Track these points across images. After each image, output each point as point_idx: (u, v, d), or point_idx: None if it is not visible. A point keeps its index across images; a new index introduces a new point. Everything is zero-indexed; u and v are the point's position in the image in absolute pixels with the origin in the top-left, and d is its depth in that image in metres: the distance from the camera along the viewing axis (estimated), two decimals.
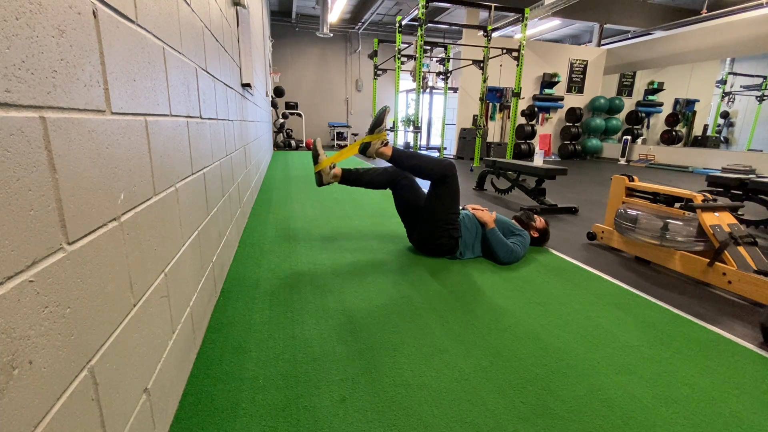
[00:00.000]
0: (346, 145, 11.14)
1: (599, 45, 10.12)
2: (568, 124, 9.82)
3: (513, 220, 2.34)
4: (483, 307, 1.60)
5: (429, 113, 12.54)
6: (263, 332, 1.36)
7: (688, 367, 1.24)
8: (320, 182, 2.10)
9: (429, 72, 9.66)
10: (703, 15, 7.72)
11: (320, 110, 12.66)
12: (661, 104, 10.23)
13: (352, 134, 12.35)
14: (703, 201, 2.02)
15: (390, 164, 2.15)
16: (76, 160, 0.57)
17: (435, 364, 1.21)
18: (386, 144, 2.05)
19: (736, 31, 7.64)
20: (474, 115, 9.12)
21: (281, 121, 9.82)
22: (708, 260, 1.87)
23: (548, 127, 10.07)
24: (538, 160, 6.10)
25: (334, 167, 2.10)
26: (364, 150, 2.03)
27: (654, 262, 2.17)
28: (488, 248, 2.15)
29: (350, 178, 2.16)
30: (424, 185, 2.21)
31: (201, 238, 1.32)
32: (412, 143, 7.08)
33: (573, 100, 10.05)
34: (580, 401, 1.07)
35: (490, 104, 9.26)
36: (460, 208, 2.23)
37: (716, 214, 1.97)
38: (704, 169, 7.76)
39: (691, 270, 1.97)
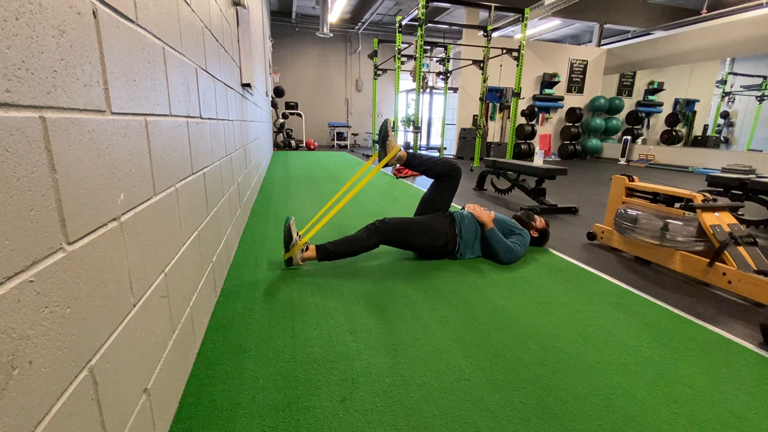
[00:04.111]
0: (346, 146, 11.18)
1: (599, 45, 10.12)
2: (568, 124, 9.82)
3: (513, 219, 2.34)
4: (483, 307, 1.60)
5: (429, 113, 12.54)
6: (263, 332, 1.36)
7: (688, 367, 1.24)
8: (290, 263, 1.95)
9: (429, 72, 9.65)
10: (703, 15, 7.72)
11: (320, 110, 12.66)
12: (661, 104, 10.22)
13: (352, 134, 12.36)
14: (703, 201, 2.02)
15: (365, 228, 2.02)
16: (76, 160, 0.57)
17: (435, 364, 1.21)
18: (307, 249, 1.94)
19: (736, 31, 7.64)
20: (474, 115, 9.11)
21: (281, 121, 9.83)
22: (708, 260, 1.87)
23: (548, 127, 10.07)
24: (538, 160, 6.11)
25: (306, 249, 1.94)
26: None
27: (654, 262, 2.17)
28: (488, 248, 2.15)
29: (327, 255, 1.96)
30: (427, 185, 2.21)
31: (201, 238, 1.32)
32: (412, 143, 7.08)
33: (573, 100, 10.05)
34: (580, 401, 1.07)
35: (490, 104, 9.26)
36: (460, 207, 2.23)
37: (716, 214, 1.96)
38: (704, 169, 7.76)
39: (691, 270, 1.97)
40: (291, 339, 1.32)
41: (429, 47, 8.07)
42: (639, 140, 9.97)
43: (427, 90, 11.08)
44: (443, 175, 2.18)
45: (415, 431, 0.95)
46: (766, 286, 1.65)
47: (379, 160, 2.07)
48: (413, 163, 2.17)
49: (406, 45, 8.69)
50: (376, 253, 2.20)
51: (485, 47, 7.09)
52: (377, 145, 2.14)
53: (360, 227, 2.05)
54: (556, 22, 9.99)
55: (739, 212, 3.12)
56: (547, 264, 2.14)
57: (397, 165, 2.11)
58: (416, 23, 6.44)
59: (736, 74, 10.94)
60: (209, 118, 1.52)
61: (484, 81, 7.21)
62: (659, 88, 10.34)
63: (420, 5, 6.12)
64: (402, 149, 2.12)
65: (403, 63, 8.03)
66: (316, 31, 10.62)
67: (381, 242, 2.03)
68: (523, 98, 9.27)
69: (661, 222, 2.02)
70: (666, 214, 2.06)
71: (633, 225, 2.15)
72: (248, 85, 2.81)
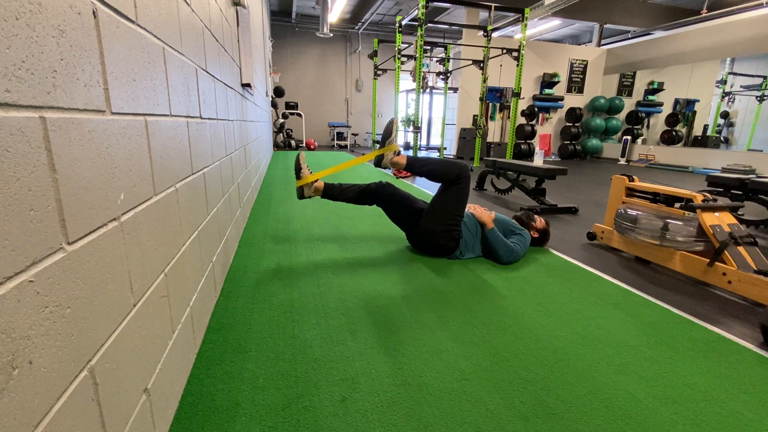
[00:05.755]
0: (346, 146, 11.20)
1: (599, 45, 10.12)
2: (568, 124, 9.82)
3: (513, 220, 2.34)
4: (483, 307, 1.60)
5: (429, 113, 12.54)
6: (263, 332, 1.36)
7: (688, 367, 1.24)
8: (301, 196, 2.19)
9: (429, 72, 9.65)
10: (703, 15, 7.72)
11: (320, 110, 12.66)
12: (661, 104, 10.22)
13: (352, 134, 12.37)
14: (703, 201, 2.02)
15: (371, 183, 2.23)
16: (76, 160, 0.57)
17: (435, 364, 1.21)
18: (399, 154, 2.12)
19: (736, 31, 7.64)
20: (474, 115, 9.11)
21: (281, 121, 9.82)
22: (708, 260, 1.87)
23: (548, 127, 10.07)
24: (538, 160, 6.11)
25: (316, 182, 2.18)
26: (379, 162, 2.12)
27: (654, 262, 2.17)
28: (488, 248, 2.15)
29: (332, 193, 2.22)
30: (427, 187, 2.21)
31: (201, 238, 1.32)
32: (411, 143, 7.08)
33: (573, 100, 10.05)
34: (580, 401, 1.07)
35: (490, 104, 9.26)
36: None
37: (716, 214, 1.96)
38: (704, 169, 7.76)
39: (691, 270, 1.97)
40: (291, 339, 1.32)
41: (429, 47, 8.07)
42: (639, 140, 9.98)
43: (427, 90, 11.09)
44: (449, 180, 2.09)
45: (415, 431, 0.95)
46: (766, 286, 1.65)
47: (378, 156, 2.16)
48: (415, 164, 2.15)
49: (406, 45, 8.69)
50: (375, 253, 2.20)
51: (485, 47, 7.09)
52: (377, 146, 2.21)
53: (360, 227, 2.05)
54: (556, 22, 10.00)
55: (739, 212, 3.12)
56: (548, 264, 2.14)
57: (395, 168, 2.15)
58: (416, 23, 6.44)
59: (736, 74, 10.95)
60: (209, 118, 1.52)
61: (484, 81, 7.21)
62: (659, 88, 10.34)
63: (420, 5, 6.12)
64: (402, 152, 2.16)
65: (403, 63, 8.03)
66: (316, 31, 10.62)
67: (378, 198, 2.22)
68: (523, 98, 9.28)
69: (661, 222, 2.02)
70: (666, 214, 2.06)
71: (633, 225, 2.15)
72: (248, 85, 2.81)
